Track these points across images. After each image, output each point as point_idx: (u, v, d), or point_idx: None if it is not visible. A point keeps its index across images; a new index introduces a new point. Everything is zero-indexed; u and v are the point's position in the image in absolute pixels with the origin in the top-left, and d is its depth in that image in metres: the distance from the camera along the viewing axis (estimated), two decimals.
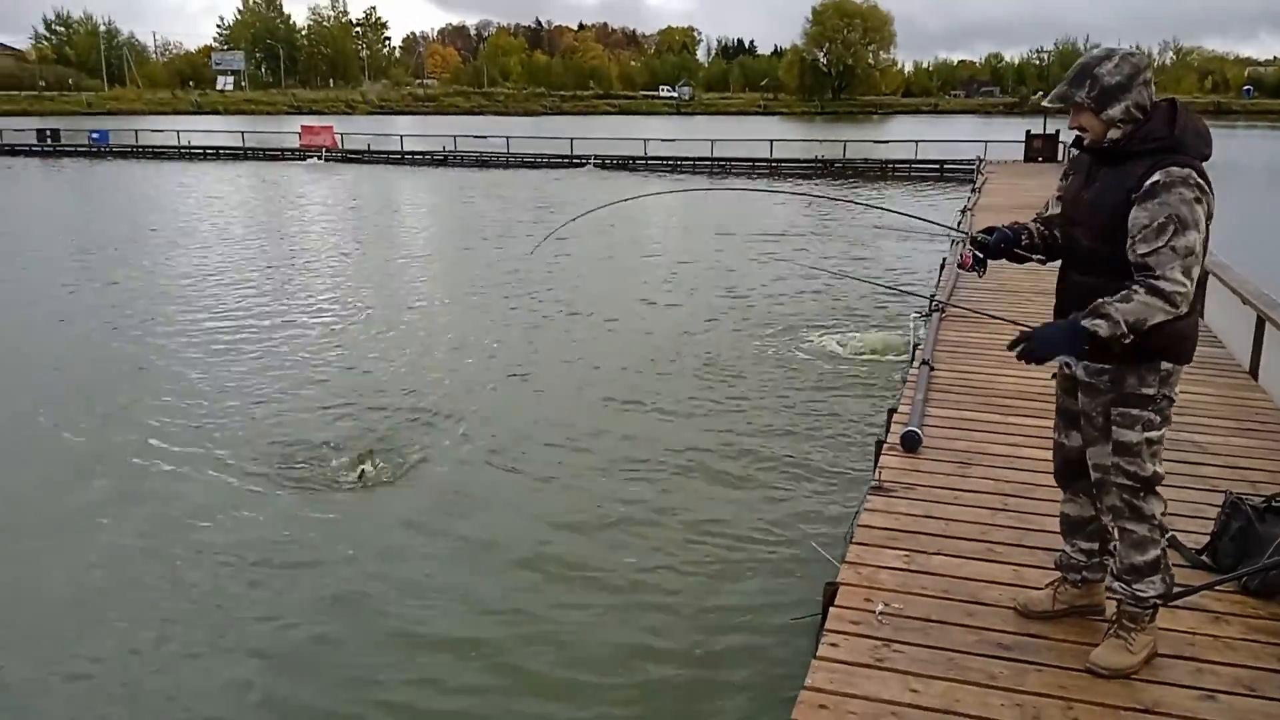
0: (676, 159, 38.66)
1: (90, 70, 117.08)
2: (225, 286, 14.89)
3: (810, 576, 5.22)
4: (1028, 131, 31.25)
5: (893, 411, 5.94)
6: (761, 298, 13.72)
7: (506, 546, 6.20)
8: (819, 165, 36.63)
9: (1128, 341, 2.87)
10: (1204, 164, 2.91)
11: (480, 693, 4.74)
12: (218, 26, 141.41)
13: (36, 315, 13.00)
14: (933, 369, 6.79)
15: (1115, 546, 3.22)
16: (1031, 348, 3.02)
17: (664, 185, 33.10)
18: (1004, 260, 3.34)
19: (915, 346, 7.97)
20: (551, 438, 8.12)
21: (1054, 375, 3.37)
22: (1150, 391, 3.01)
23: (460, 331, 12.01)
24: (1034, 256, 3.29)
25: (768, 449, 7.81)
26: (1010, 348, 3.08)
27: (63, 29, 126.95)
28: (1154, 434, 3.05)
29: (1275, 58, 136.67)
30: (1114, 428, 3.06)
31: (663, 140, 41.14)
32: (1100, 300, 2.87)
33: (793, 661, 4.43)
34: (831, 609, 3.64)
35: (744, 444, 7.95)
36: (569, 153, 40.34)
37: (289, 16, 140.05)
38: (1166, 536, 3.17)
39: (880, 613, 3.58)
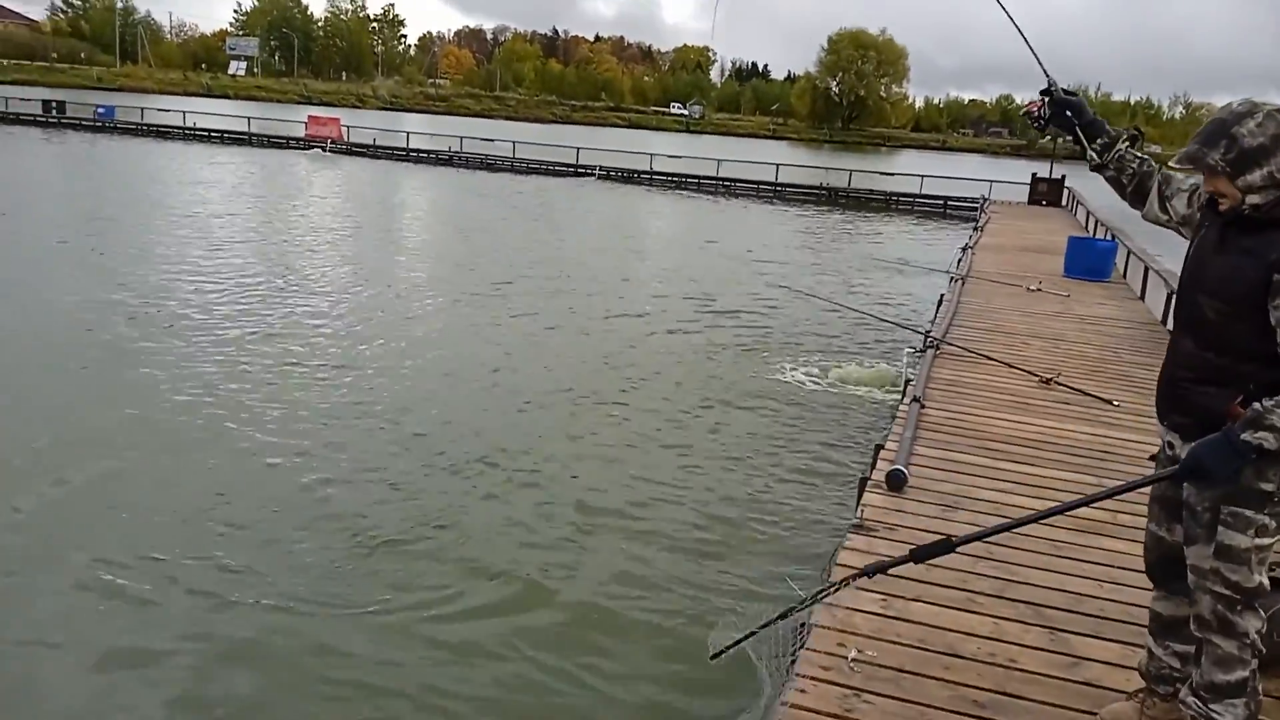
0: (682, 176, 38.63)
1: (104, 46, 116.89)
2: (214, 276, 14.70)
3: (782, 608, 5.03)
4: (1034, 174, 31.20)
5: (879, 448, 5.79)
6: (752, 322, 13.56)
7: (476, 563, 6.02)
8: (823, 192, 36.65)
9: None
10: None
11: None
12: (235, 11, 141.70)
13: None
14: (923, 406, 6.64)
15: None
16: (1194, 478, 2.63)
17: (667, 201, 33.12)
18: (1062, 129, 3.10)
19: (907, 382, 7.83)
20: (521, 458, 7.79)
21: (1152, 457, 3.03)
22: (1270, 488, 2.61)
23: (444, 339, 11.84)
24: (1093, 148, 3.04)
25: (748, 478, 7.62)
26: (1175, 481, 2.75)
27: (79, 2, 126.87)
28: (1265, 540, 2.66)
29: None
30: (1221, 528, 2.68)
31: (669, 156, 41.12)
32: (1258, 408, 2.48)
33: (759, 705, 4.25)
34: (802, 651, 3.48)
35: (723, 472, 7.75)
36: (574, 162, 40.27)
37: (306, 7, 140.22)
38: (1256, 660, 2.76)
39: (852, 659, 3.41)
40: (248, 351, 10.23)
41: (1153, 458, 3.01)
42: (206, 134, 45.42)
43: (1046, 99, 3.13)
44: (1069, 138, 3.11)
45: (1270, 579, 3.67)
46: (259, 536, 6.12)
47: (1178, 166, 2.72)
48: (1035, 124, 3.23)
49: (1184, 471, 2.65)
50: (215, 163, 34.38)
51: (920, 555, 2.98)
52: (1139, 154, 3.04)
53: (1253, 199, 2.56)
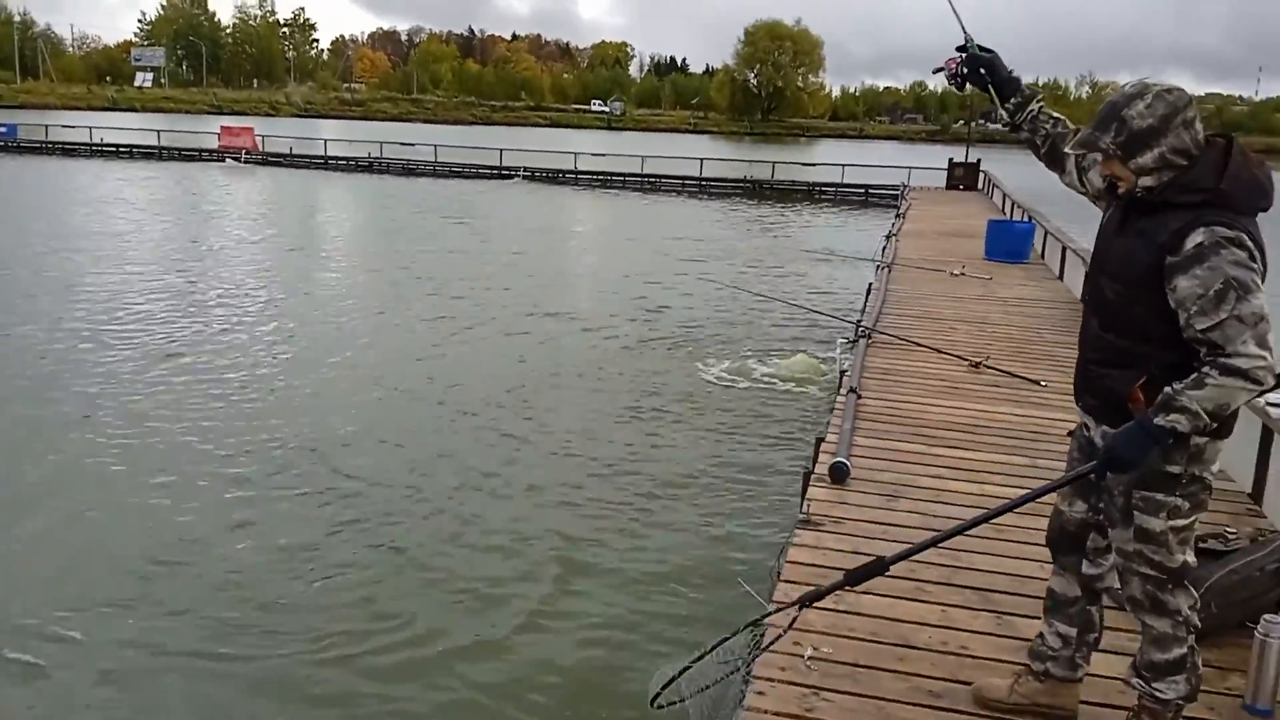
0: (607, 174, 38.63)
1: (2, 62, 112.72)
2: (123, 299, 14.27)
3: (736, 615, 5.03)
4: (950, 159, 31.84)
5: (820, 441, 5.84)
6: (683, 318, 13.61)
7: (388, 610, 5.78)
8: (748, 185, 36.94)
9: (1211, 426, 2.50)
10: (1260, 216, 2.56)
11: None
12: (139, 21, 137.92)
13: None
14: (860, 397, 6.73)
15: (1098, 622, 3.07)
16: (1114, 469, 2.63)
17: (594, 200, 33.08)
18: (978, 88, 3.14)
19: (842, 373, 7.93)
20: (451, 469, 7.68)
21: (1069, 433, 3.07)
22: (1175, 470, 2.64)
23: (367, 353, 11.66)
24: (1005, 107, 3.08)
25: (690, 478, 7.63)
26: (1097, 477, 2.76)
27: None
28: (1182, 522, 2.69)
29: None
30: (1135, 512, 2.72)
31: (593, 155, 41.07)
32: (1169, 392, 2.49)
33: (717, 710, 4.26)
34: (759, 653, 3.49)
35: (665, 473, 7.74)
36: (498, 164, 39.98)
37: (214, 14, 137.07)
38: (1193, 636, 2.83)
39: (809, 657, 3.45)
40: (159, 378, 9.88)
41: (1070, 434, 3.07)
42: (115, 149, 44.03)
43: (962, 55, 3.13)
44: (990, 119, 3.13)
45: (1203, 550, 3.82)
46: (162, 593, 5.67)
47: (1074, 151, 2.76)
48: (951, 81, 3.19)
49: (1102, 466, 2.67)
50: (125, 179, 33.36)
51: (855, 579, 2.99)
52: (1054, 114, 3.05)
53: (1145, 181, 2.57)
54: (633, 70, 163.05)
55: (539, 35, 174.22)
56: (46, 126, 47.30)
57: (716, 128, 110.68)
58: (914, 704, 3.19)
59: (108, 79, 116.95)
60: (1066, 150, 2.83)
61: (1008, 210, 21.06)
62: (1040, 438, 6.12)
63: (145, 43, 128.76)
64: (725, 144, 77.64)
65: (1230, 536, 3.95)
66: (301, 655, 5.08)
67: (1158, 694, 2.87)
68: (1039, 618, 3.76)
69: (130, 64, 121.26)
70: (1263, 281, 2.49)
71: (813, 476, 5.26)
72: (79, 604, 5.48)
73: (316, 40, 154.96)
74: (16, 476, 7.26)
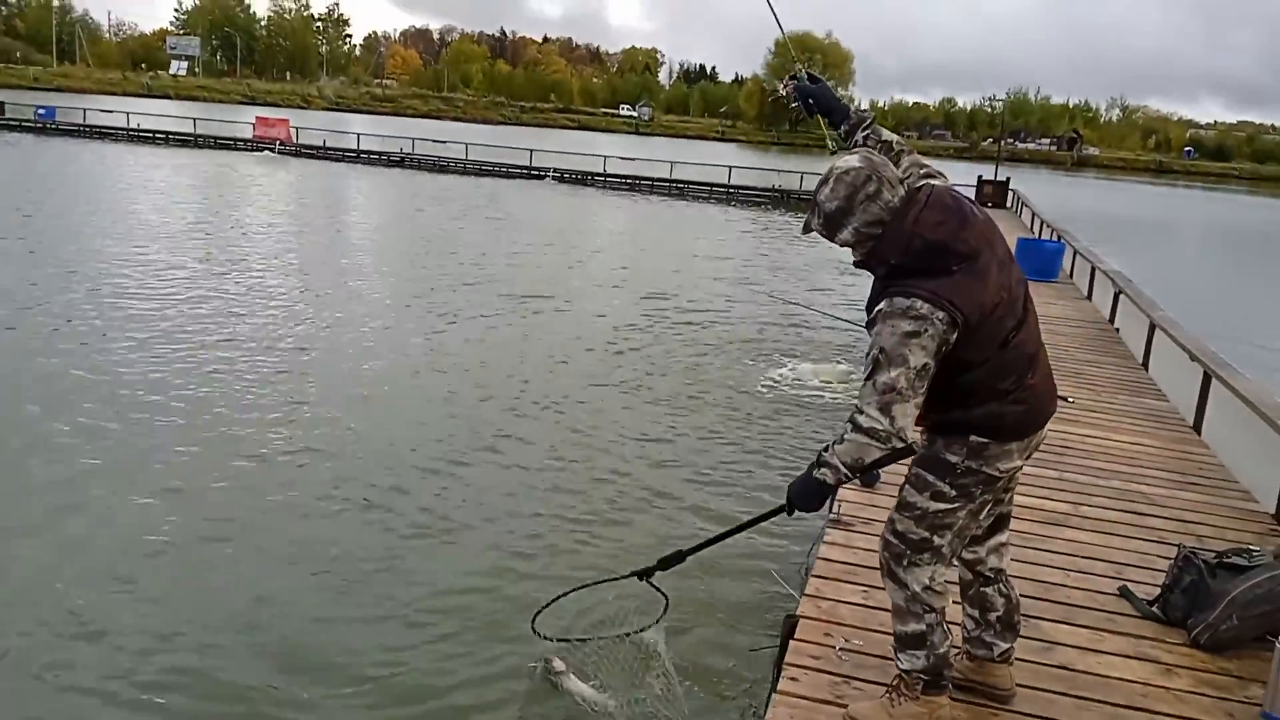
0: (635, 178, 38.83)
1: (40, 45, 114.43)
2: (161, 282, 14.53)
3: (769, 607, 5.16)
4: (979, 177, 31.83)
5: None
6: (715, 325, 13.71)
7: (452, 584, 6.07)
8: (776, 195, 37.06)
9: (856, 477, 2.72)
10: (965, 267, 2.65)
11: None
12: (175, 10, 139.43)
13: None
14: None
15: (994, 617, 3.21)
16: (793, 508, 2.91)
17: (622, 203, 33.27)
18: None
19: None
20: (497, 465, 7.77)
21: None
22: (954, 460, 2.80)
23: (399, 350, 11.86)
24: (831, 134, 3.27)
25: (723, 477, 7.72)
26: (789, 514, 3.00)
27: (14, 1, 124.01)
28: (942, 506, 2.84)
29: (1215, 122, 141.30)
30: (906, 485, 2.92)
31: (622, 158, 41.27)
32: (824, 446, 2.77)
33: (752, 694, 4.40)
34: (791, 642, 3.63)
35: (699, 472, 7.82)
36: (528, 164, 40.26)
37: (249, 5, 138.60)
38: (934, 615, 2.94)
39: (840, 649, 3.57)
40: (181, 368, 9.83)
41: None
42: (151, 135, 44.59)
43: (794, 83, 3.28)
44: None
45: (1227, 564, 3.93)
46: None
47: (801, 235, 2.97)
48: (790, 105, 3.35)
49: (788, 504, 2.93)
50: (161, 165, 33.72)
51: (646, 573, 3.75)
52: (884, 138, 3.06)
53: (854, 255, 2.80)
54: (662, 77, 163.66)
55: (570, 39, 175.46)
56: (84, 110, 47.88)
57: (744, 136, 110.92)
58: None
59: (143, 66, 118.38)
60: (797, 235, 3.01)
61: (1037, 229, 21.08)
62: (1067, 452, 6.22)
63: (181, 32, 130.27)
64: (752, 152, 77.74)
65: (1254, 553, 4.05)
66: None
67: (899, 664, 3.05)
68: (1064, 622, 3.92)
69: (165, 52, 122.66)
70: (955, 335, 2.59)
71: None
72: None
73: (350, 36, 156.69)
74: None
